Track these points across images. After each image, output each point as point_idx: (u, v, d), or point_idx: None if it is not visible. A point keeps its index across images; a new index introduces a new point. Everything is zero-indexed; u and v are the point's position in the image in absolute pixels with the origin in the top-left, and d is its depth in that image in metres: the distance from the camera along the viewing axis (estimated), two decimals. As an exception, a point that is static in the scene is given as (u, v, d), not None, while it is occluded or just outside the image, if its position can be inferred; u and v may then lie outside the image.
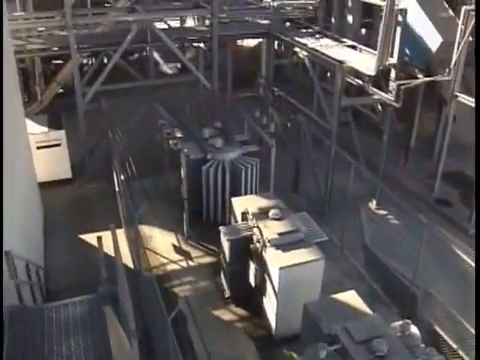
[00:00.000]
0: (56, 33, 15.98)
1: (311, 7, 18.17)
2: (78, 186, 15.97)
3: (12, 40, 13.90)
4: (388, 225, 14.18)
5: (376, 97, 14.21)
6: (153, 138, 16.12)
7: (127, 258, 11.78)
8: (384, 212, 14.97)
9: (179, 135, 14.71)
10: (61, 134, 15.70)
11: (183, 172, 13.49)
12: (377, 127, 16.15)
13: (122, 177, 12.88)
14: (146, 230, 13.87)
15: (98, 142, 16.03)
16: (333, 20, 19.41)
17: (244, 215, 11.24)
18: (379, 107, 16.56)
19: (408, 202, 12.63)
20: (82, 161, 16.14)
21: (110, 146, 14.78)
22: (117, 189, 13.56)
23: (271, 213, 10.76)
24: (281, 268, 9.69)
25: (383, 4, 12.73)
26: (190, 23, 23.29)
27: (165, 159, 15.49)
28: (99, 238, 8.91)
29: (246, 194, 13.19)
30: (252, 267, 10.66)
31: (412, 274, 10.69)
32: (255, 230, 10.64)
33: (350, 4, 18.85)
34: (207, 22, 18.13)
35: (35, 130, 15.45)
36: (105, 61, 18.99)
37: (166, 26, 18.82)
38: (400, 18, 12.56)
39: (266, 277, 10.34)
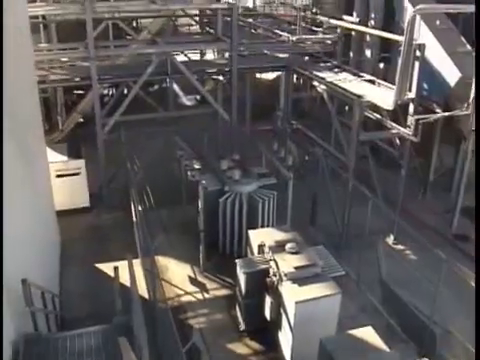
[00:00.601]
0: (78, 64, 16.29)
1: (330, 41, 18.33)
2: (96, 215, 16.05)
3: (36, 70, 14.22)
4: (406, 260, 14.03)
5: (394, 131, 14.21)
6: (171, 169, 16.22)
7: (143, 288, 11.75)
8: (402, 247, 14.83)
9: (197, 166, 14.79)
10: (80, 163, 15.85)
11: (200, 204, 13.51)
12: (395, 161, 16.11)
13: (139, 207, 12.94)
14: (162, 261, 13.85)
15: (116, 172, 16.17)
16: (351, 54, 19.57)
17: (260, 248, 11.20)
18: (397, 141, 16.54)
19: (426, 237, 12.48)
20: (100, 190, 16.26)
21: (128, 176, 14.89)
22: (134, 219, 13.61)
23: (288, 246, 10.71)
24: (297, 302, 9.60)
25: (401, 39, 12.83)
26: (210, 56, 23.63)
27: (183, 190, 15.56)
28: (116, 268, 8.93)
29: (263, 227, 13.15)
30: (268, 301, 10.57)
31: (430, 310, 10.52)
32: (271, 263, 10.57)
33: (368, 39, 19.01)
34: (226, 55, 18.38)
35: (55, 158, 15.62)
36: (125, 92, 19.26)
37: (186, 59, 19.11)
38: (418, 53, 12.62)
39: (282, 311, 10.24)
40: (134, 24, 25.98)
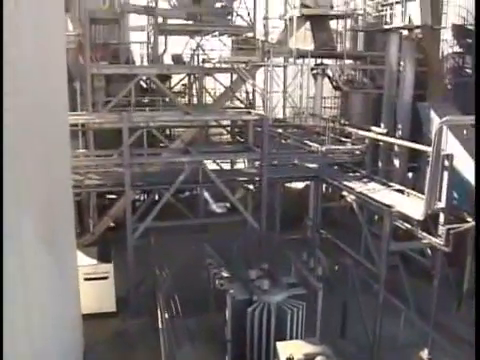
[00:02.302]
0: (113, 170, 16.77)
1: (358, 152, 18.64)
2: (121, 320, 15.86)
3: (72, 175, 14.68)
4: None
5: (425, 241, 14.03)
6: (199, 276, 16.13)
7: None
8: (437, 363, 14.18)
9: (225, 275, 14.68)
10: (109, 267, 15.92)
11: (228, 313, 13.27)
12: (427, 271, 15.77)
13: (166, 314, 12.77)
14: (187, 371, 13.44)
15: (145, 277, 16.14)
16: (380, 164, 19.82)
17: (289, 361, 10.83)
18: (428, 251, 16.28)
19: (463, 351, 11.96)
20: (128, 295, 16.16)
21: (156, 282, 14.83)
22: (160, 326, 13.39)
23: (317, 360, 10.35)
24: None
25: (429, 150, 12.99)
26: (240, 164, 24.14)
27: (210, 298, 15.36)
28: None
29: (292, 338, 12.77)
30: None
31: None
32: (300, 377, 10.17)
33: (396, 149, 19.30)
34: (257, 164, 18.76)
35: (84, 262, 15.73)
36: (156, 197, 19.62)
37: (217, 167, 19.54)
38: (447, 163, 12.72)
39: None
40: (167, 132, 26.86)
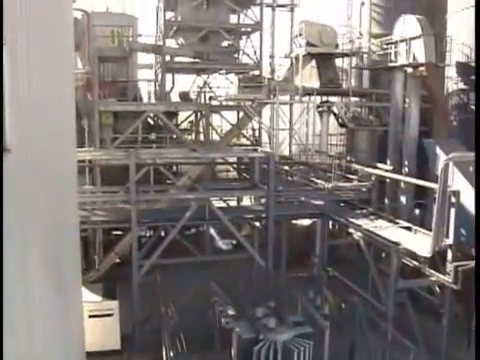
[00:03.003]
0: (119, 206, 16.79)
1: (365, 189, 18.60)
2: (126, 358, 15.62)
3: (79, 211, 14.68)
4: None
5: (433, 279, 13.88)
6: (205, 314, 15.97)
7: None
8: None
9: (231, 313, 14.52)
10: (114, 304, 15.79)
11: (234, 351, 13.08)
12: (435, 308, 15.54)
13: (171, 352, 12.60)
14: None
15: (150, 314, 15.98)
16: (387, 201, 19.74)
17: (296, 401, 10.62)
18: (437, 288, 16.09)
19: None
20: (132, 332, 15.98)
21: (161, 320, 14.67)
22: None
23: (324, 400, 10.15)
24: None
25: (435, 186, 12.96)
26: (247, 200, 24.11)
27: (216, 337, 15.17)
28: None
29: (299, 378, 12.56)
30: None
31: None
32: None
33: (403, 186, 19.26)
34: (263, 200, 18.74)
35: (89, 298, 15.58)
36: (162, 234, 19.57)
37: (223, 203, 19.53)
38: (453, 199, 12.69)
39: None
40: (174, 168, 26.91)
